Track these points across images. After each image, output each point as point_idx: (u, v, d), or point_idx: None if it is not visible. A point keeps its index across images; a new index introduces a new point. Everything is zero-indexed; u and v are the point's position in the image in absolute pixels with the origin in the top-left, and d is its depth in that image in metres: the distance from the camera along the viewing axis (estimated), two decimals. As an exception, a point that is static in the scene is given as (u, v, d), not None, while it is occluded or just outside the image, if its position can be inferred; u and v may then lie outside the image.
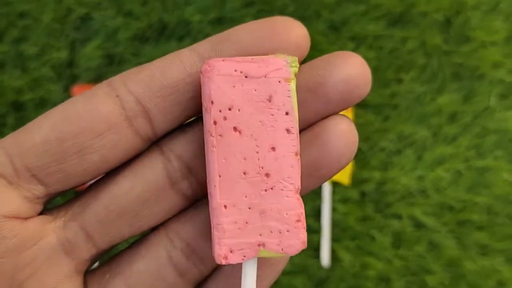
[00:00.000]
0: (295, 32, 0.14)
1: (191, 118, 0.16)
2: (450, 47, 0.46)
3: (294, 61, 0.14)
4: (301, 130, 0.15)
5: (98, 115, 0.14)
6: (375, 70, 0.45)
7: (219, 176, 0.15)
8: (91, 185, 0.16)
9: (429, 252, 0.44)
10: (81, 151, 0.14)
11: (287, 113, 0.15)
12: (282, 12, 0.44)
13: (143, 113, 0.14)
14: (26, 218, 0.15)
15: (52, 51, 0.44)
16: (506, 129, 0.46)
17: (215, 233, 0.15)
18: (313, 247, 0.44)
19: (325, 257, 0.43)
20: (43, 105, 0.44)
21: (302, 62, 0.15)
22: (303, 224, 0.15)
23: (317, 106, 0.15)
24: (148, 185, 0.15)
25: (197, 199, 0.16)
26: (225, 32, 0.15)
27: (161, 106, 0.14)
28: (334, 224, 0.44)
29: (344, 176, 0.44)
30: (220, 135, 0.14)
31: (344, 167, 0.15)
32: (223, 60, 0.14)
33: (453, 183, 0.44)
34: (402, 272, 0.45)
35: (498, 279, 0.44)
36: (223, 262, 0.15)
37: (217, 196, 0.14)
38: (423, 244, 0.44)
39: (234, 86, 0.14)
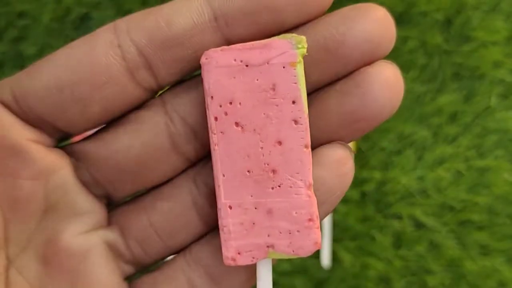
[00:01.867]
0: None
1: (197, 72, 0.15)
2: (450, 46, 0.46)
3: (301, 42, 0.13)
4: (318, 89, 0.14)
5: (98, 66, 0.14)
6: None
7: (223, 176, 0.14)
8: (94, 133, 0.15)
9: (429, 252, 0.44)
10: (80, 101, 0.14)
11: (293, 102, 0.13)
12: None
13: (145, 65, 0.14)
14: (48, 146, 0.15)
15: (51, 51, 0.44)
16: (507, 129, 0.46)
17: (222, 235, 0.14)
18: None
19: (325, 258, 0.43)
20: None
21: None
22: (315, 223, 0.14)
23: (336, 67, 0.13)
24: (147, 146, 0.14)
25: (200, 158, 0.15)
26: None
27: (164, 59, 0.14)
28: (334, 224, 0.44)
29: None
30: (221, 132, 0.14)
31: (385, 119, 0.14)
32: (221, 50, 0.13)
33: (454, 183, 0.44)
34: (402, 272, 0.45)
35: (499, 279, 0.44)
36: (232, 263, 0.14)
37: (221, 196, 0.14)
38: (423, 244, 0.44)
39: (234, 78, 0.13)
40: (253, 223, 0.14)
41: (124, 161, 0.14)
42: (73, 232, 0.15)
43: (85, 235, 0.15)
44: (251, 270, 0.15)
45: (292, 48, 0.13)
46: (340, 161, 0.14)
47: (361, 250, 0.45)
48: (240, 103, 0.14)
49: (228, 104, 0.14)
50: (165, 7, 0.14)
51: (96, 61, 0.14)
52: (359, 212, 0.44)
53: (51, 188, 0.14)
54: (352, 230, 0.44)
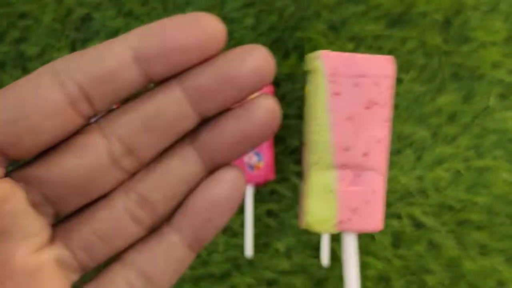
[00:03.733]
0: (213, 27, 0.16)
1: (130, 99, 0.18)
2: (449, 47, 0.46)
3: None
4: (218, 114, 0.18)
5: (45, 100, 0.16)
6: (374, 70, 0.45)
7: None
8: (38, 156, 0.17)
9: (428, 252, 0.44)
10: (33, 131, 0.16)
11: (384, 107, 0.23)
12: (282, 12, 0.44)
13: (84, 97, 0.16)
14: None
15: (53, 51, 0.44)
16: (506, 129, 0.46)
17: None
18: (313, 247, 0.44)
19: (325, 257, 0.43)
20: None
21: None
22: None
23: (232, 95, 0.17)
24: (91, 164, 0.17)
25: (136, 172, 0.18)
26: (152, 24, 0.16)
27: (100, 92, 0.16)
28: (334, 224, 0.44)
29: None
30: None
31: (269, 137, 0.18)
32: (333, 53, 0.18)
33: (453, 183, 0.44)
34: (401, 271, 0.45)
35: (498, 279, 0.44)
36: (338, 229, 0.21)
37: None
38: (422, 244, 0.44)
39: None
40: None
41: (73, 179, 0.17)
42: (24, 252, 0.16)
43: (36, 254, 0.17)
44: (178, 268, 0.18)
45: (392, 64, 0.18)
46: (235, 180, 0.18)
47: (360, 250, 0.45)
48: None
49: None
50: (96, 48, 0.16)
51: (43, 96, 0.16)
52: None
53: (2, 216, 0.16)
54: (351, 229, 0.45)
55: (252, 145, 0.17)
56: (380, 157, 0.24)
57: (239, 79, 0.16)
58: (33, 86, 0.16)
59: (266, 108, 0.17)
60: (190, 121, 0.17)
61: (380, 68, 0.23)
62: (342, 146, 0.23)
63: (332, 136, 0.23)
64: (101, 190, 0.17)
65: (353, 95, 0.23)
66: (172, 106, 0.17)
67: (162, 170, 0.17)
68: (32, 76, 0.16)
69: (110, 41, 0.16)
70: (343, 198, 0.23)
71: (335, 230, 0.24)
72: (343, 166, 0.23)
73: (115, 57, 0.16)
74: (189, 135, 0.18)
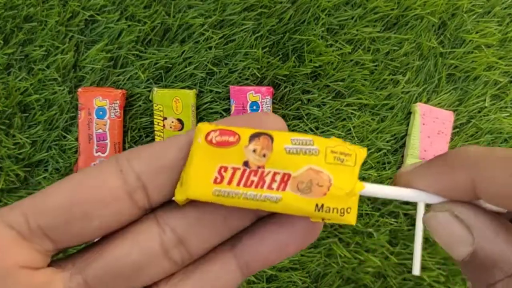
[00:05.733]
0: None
1: None
2: (445, 49, 0.46)
3: None
4: (257, 220, 0.18)
5: (104, 188, 0.16)
6: (372, 72, 0.46)
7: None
8: (95, 243, 0.18)
9: (425, 250, 0.45)
10: (85, 216, 0.16)
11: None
12: (281, 15, 0.45)
13: (142, 188, 0.17)
14: (37, 268, 0.17)
15: (58, 53, 0.44)
16: (501, 129, 0.47)
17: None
18: (312, 244, 0.45)
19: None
20: (49, 106, 0.44)
21: None
22: None
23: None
24: (143, 251, 0.17)
25: (186, 265, 0.18)
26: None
27: (157, 182, 0.17)
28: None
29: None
30: None
31: (304, 247, 0.18)
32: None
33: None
34: (398, 269, 0.45)
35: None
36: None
37: None
38: (419, 242, 0.45)
39: None
40: None
41: (121, 267, 0.17)
42: None
43: None
44: None
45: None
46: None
47: (358, 247, 0.45)
48: None
49: None
50: (157, 143, 0.17)
51: (104, 184, 0.16)
52: (357, 210, 0.45)
53: None
54: (349, 227, 0.45)
55: (288, 254, 0.17)
56: None
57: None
58: (95, 173, 0.16)
59: (306, 221, 0.17)
60: (247, 218, 0.17)
61: (446, 115, 0.46)
62: (423, 149, 0.46)
63: (420, 143, 0.46)
64: (147, 279, 0.17)
65: (432, 126, 0.46)
66: None
67: (202, 274, 0.17)
68: (98, 165, 0.17)
69: (175, 136, 0.17)
70: None
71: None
72: (422, 159, 0.41)
73: (178, 147, 0.17)
74: (230, 240, 0.18)
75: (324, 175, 0.16)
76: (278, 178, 0.16)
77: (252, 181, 0.16)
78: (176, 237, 0.17)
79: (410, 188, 0.18)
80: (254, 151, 0.16)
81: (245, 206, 0.16)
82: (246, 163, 0.16)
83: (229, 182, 0.16)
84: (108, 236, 0.17)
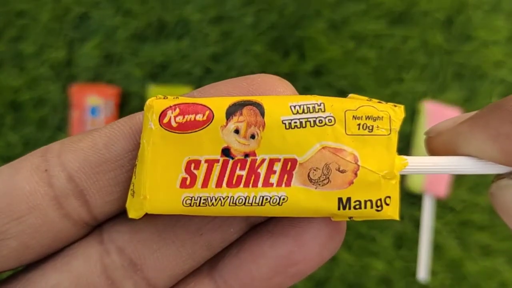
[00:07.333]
0: None
1: None
2: (451, 46, 0.46)
3: None
4: (249, 230, 0.13)
5: (18, 194, 0.12)
6: (375, 70, 0.45)
7: None
8: (22, 271, 0.13)
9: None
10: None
11: None
12: (282, 10, 0.44)
13: (76, 192, 0.12)
14: None
15: (51, 50, 0.44)
16: (508, 128, 0.46)
17: None
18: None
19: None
20: (42, 104, 0.44)
21: None
22: None
23: None
24: (77, 281, 0.12)
25: None
26: None
27: (99, 185, 0.12)
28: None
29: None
30: None
31: (321, 263, 0.12)
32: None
33: (454, 184, 0.44)
34: (403, 272, 0.45)
35: (500, 279, 0.44)
36: None
37: None
38: (424, 245, 0.44)
39: None
40: None
41: None
42: None
43: None
44: None
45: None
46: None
47: (362, 251, 0.45)
48: None
49: None
50: (105, 127, 0.12)
51: (16, 187, 0.12)
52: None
53: None
54: (353, 230, 0.45)
55: (300, 275, 0.12)
56: None
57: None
58: (8, 174, 0.12)
59: (323, 224, 0.12)
60: (234, 229, 0.12)
61: (452, 114, 0.40)
62: None
63: None
64: None
65: (438, 120, 0.43)
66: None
67: None
68: (18, 160, 0.12)
69: (130, 116, 0.12)
70: None
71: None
72: None
73: (132, 134, 0.12)
74: (208, 262, 0.13)
75: (346, 154, 0.11)
76: (277, 168, 0.11)
77: (240, 177, 0.11)
78: (127, 261, 0.12)
79: (464, 155, 0.12)
80: (237, 131, 0.11)
81: (233, 214, 0.11)
82: (226, 151, 0.11)
83: (204, 184, 0.11)
84: (39, 261, 0.13)
